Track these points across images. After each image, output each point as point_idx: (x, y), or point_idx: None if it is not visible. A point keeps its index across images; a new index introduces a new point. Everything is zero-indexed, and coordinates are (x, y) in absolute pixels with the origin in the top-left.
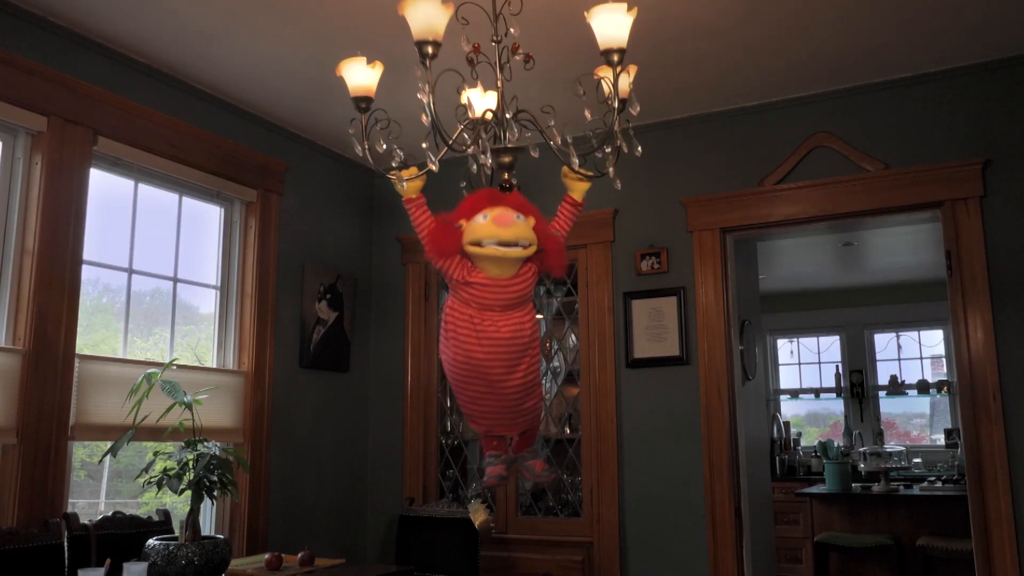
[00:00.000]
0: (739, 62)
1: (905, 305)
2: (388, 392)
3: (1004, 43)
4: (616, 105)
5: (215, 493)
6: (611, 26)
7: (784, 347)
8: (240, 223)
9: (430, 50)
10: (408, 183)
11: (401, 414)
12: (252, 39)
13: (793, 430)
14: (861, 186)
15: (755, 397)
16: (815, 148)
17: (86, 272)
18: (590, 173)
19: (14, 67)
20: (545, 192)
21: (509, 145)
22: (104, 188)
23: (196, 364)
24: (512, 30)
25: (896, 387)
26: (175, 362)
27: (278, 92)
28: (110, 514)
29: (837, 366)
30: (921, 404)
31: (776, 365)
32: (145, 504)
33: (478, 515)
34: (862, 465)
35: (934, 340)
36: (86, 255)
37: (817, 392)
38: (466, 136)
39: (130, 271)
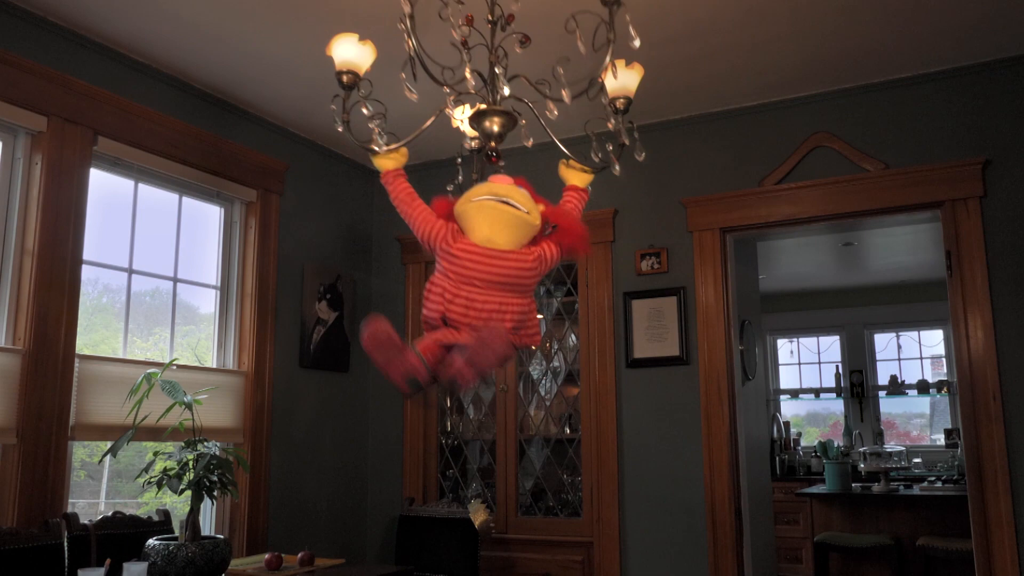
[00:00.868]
0: (739, 62)
1: (905, 305)
2: (388, 392)
3: (1004, 43)
4: (619, 110)
5: (215, 493)
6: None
7: (784, 347)
8: (240, 223)
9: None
10: (389, 156)
11: (401, 414)
12: (252, 39)
13: (793, 430)
14: (861, 186)
15: (755, 397)
16: (815, 148)
17: (86, 272)
18: (588, 169)
19: (14, 67)
20: (547, 194)
21: (497, 108)
22: (104, 188)
23: (196, 364)
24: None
25: (896, 387)
26: (175, 362)
27: (278, 92)
28: (110, 514)
29: (837, 366)
30: (921, 404)
31: (776, 365)
32: (145, 504)
33: (478, 515)
34: (862, 465)
35: (934, 340)
36: (86, 255)
37: (817, 392)
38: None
39: (130, 271)
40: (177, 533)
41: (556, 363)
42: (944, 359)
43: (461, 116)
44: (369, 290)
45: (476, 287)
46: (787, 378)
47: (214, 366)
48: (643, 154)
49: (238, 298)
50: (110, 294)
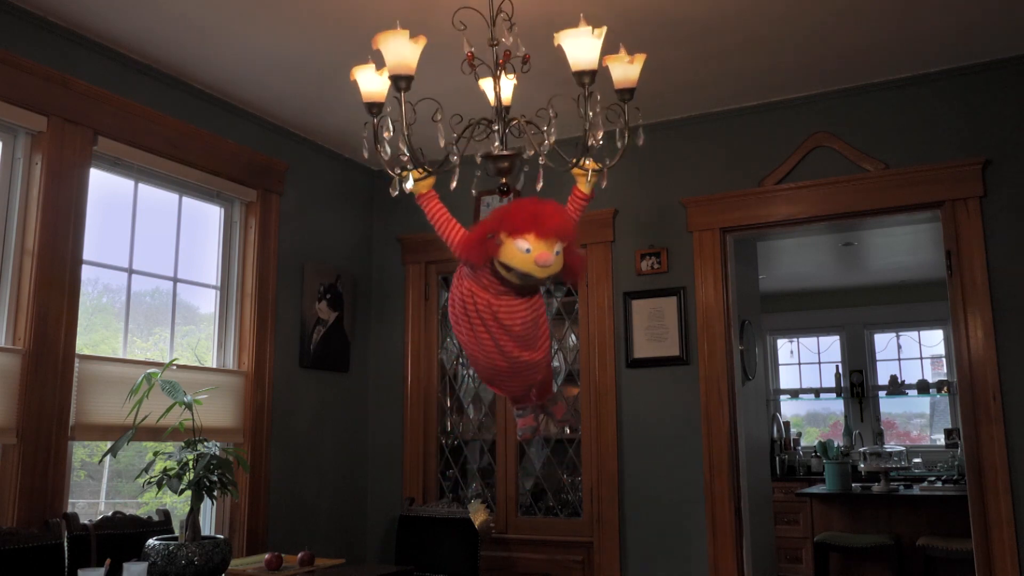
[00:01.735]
0: (739, 62)
1: (905, 305)
2: (388, 392)
3: (1004, 43)
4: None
5: (215, 493)
6: (581, 49)
7: (784, 347)
8: (240, 223)
9: (403, 84)
10: (420, 181)
11: (401, 414)
12: (252, 39)
13: (793, 430)
14: (861, 186)
15: (755, 397)
16: (815, 148)
17: (86, 272)
18: (599, 166)
19: (14, 67)
20: (554, 193)
21: (504, 152)
22: (104, 188)
23: (196, 364)
24: (510, 35)
25: (896, 387)
26: (175, 362)
27: (278, 92)
28: (110, 514)
29: (837, 366)
30: (921, 404)
31: (776, 365)
32: (145, 504)
33: (478, 515)
34: (862, 465)
35: (934, 340)
36: (86, 255)
37: (817, 392)
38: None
39: (130, 271)
40: (177, 533)
41: (556, 363)
42: (944, 359)
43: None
44: (369, 290)
45: (511, 296)
46: (787, 378)
47: (214, 366)
48: (642, 138)
49: (238, 298)
50: (110, 294)
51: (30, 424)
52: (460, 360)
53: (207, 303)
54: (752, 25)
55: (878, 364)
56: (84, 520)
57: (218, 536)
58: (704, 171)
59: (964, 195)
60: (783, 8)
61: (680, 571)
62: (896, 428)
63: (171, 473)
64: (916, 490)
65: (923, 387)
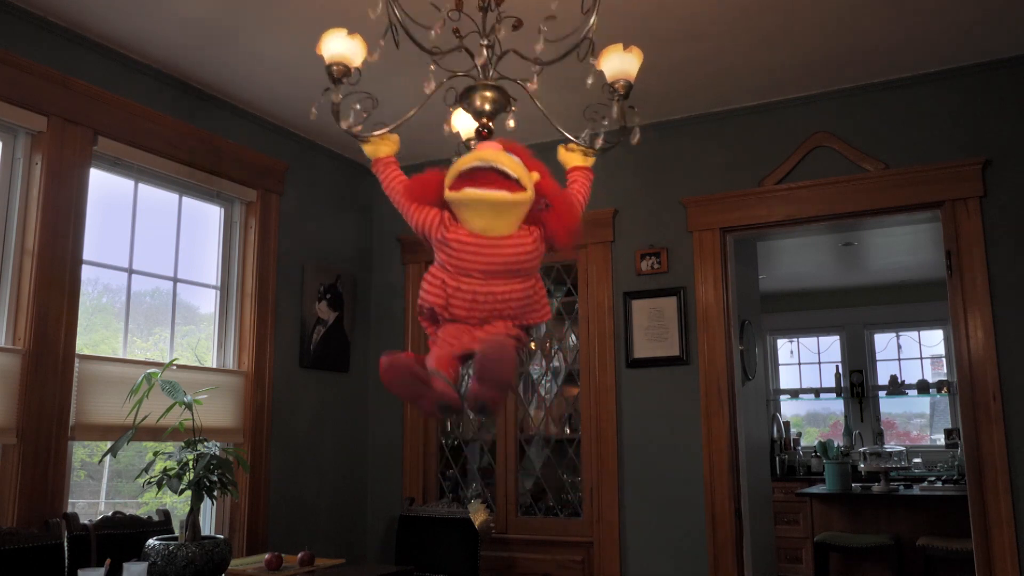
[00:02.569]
0: (739, 62)
1: (905, 305)
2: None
3: (1004, 43)
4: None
5: (215, 493)
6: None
7: (784, 347)
8: (240, 223)
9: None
10: (383, 141)
11: (401, 414)
12: (252, 39)
13: (793, 430)
14: (861, 186)
15: (755, 397)
16: (815, 148)
17: (86, 272)
18: (592, 149)
19: (14, 67)
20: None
21: (489, 82)
22: (104, 188)
23: (196, 364)
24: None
25: (896, 387)
26: (175, 362)
27: (278, 92)
28: (110, 514)
29: (837, 366)
30: (921, 404)
31: (776, 365)
32: (145, 504)
33: (478, 515)
34: (862, 465)
35: (934, 340)
36: (86, 255)
37: (817, 392)
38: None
39: (130, 271)
40: (177, 533)
41: (556, 363)
42: (944, 359)
43: (456, 120)
44: (369, 290)
45: (476, 278)
46: (787, 378)
47: (214, 366)
48: (638, 136)
49: (238, 298)
50: (110, 294)
51: (30, 424)
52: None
53: (207, 303)
54: (753, 25)
55: (878, 364)
56: (84, 520)
57: (218, 536)
58: (704, 171)
59: (964, 195)
60: (783, 8)
61: (680, 571)
62: (896, 428)
63: (171, 473)
64: (916, 490)
65: (923, 387)
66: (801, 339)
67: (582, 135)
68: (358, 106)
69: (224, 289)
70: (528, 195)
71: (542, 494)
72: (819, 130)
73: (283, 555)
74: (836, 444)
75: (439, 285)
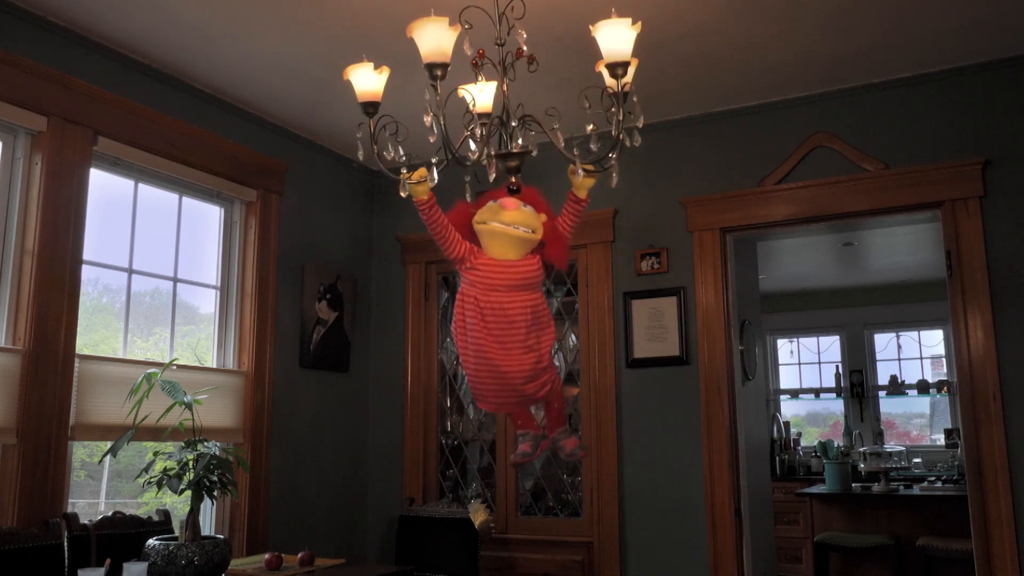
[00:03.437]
0: (739, 62)
1: (905, 305)
2: (388, 392)
3: (1004, 43)
4: (619, 116)
5: (215, 493)
6: (615, 40)
7: (784, 347)
8: (240, 223)
9: (439, 72)
10: (418, 186)
11: (401, 414)
12: (252, 39)
13: (793, 430)
14: (861, 186)
15: (755, 397)
16: (815, 148)
17: (86, 272)
18: (591, 168)
19: (14, 67)
20: (549, 193)
21: (514, 150)
22: (104, 188)
23: (196, 364)
24: (519, 32)
25: (896, 387)
26: (175, 362)
27: (278, 92)
28: (110, 514)
29: (837, 366)
30: (921, 404)
31: (776, 365)
32: (145, 504)
33: (478, 515)
34: (862, 465)
35: (934, 340)
36: (86, 255)
37: (817, 392)
38: (471, 144)
39: (130, 271)
40: (177, 533)
41: (556, 363)
42: (944, 359)
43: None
44: (369, 290)
45: (501, 291)
46: (787, 378)
47: (214, 366)
48: (639, 140)
49: (238, 298)
50: (110, 294)
51: (30, 424)
52: (460, 360)
53: (207, 303)
54: (752, 25)
55: (878, 364)
56: (84, 520)
57: (218, 536)
58: (704, 171)
59: (964, 195)
60: (783, 8)
61: (680, 571)
62: (896, 428)
63: (171, 473)
64: (916, 490)
65: (923, 387)
66: (801, 339)
67: (588, 149)
68: (392, 143)
69: (224, 289)
70: (538, 236)
71: (542, 494)
72: (819, 130)
73: (283, 555)
74: (836, 444)
75: (472, 302)
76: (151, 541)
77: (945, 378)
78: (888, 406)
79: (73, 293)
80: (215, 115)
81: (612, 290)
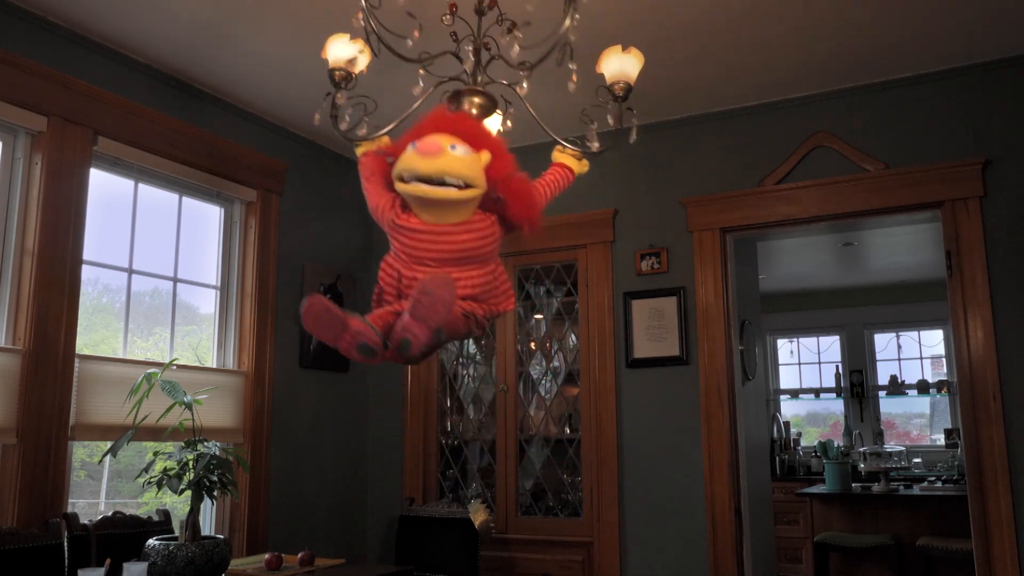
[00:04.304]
0: (739, 62)
1: (905, 305)
2: (388, 392)
3: (1004, 43)
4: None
5: (215, 493)
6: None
7: (784, 347)
8: (240, 223)
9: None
10: (369, 145)
11: (401, 414)
12: (252, 39)
13: (793, 430)
14: (861, 186)
15: (755, 397)
16: (815, 148)
17: (86, 272)
18: (579, 153)
19: (14, 67)
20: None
21: (479, 87)
22: (104, 188)
23: (196, 364)
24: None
25: (896, 387)
26: (175, 362)
27: (278, 92)
28: (110, 514)
29: (837, 366)
30: (921, 404)
31: (776, 365)
32: (145, 504)
33: (478, 515)
34: (862, 465)
35: (934, 340)
36: (86, 255)
37: (817, 392)
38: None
39: (130, 271)
40: (177, 533)
41: (556, 363)
42: (944, 359)
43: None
44: (369, 290)
45: (431, 267)
46: (787, 378)
47: (214, 366)
48: (635, 137)
49: (238, 298)
50: (110, 294)
51: (30, 424)
52: (460, 360)
53: (207, 303)
54: (752, 25)
55: (878, 364)
56: (84, 520)
57: (218, 536)
58: (704, 171)
59: (964, 195)
60: (783, 8)
61: (680, 571)
62: (896, 428)
63: (171, 473)
64: (916, 490)
65: (923, 387)
66: (801, 339)
67: (576, 137)
68: (350, 110)
69: (224, 289)
70: (476, 192)
71: (542, 494)
72: (819, 130)
73: (283, 555)
74: (836, 444)
75: (393, 275)
76: (151, 541)
77: (945, 378)
78: (888, 406)
79: (73, 293)
80: (215, 115)
81: (612, 290)
